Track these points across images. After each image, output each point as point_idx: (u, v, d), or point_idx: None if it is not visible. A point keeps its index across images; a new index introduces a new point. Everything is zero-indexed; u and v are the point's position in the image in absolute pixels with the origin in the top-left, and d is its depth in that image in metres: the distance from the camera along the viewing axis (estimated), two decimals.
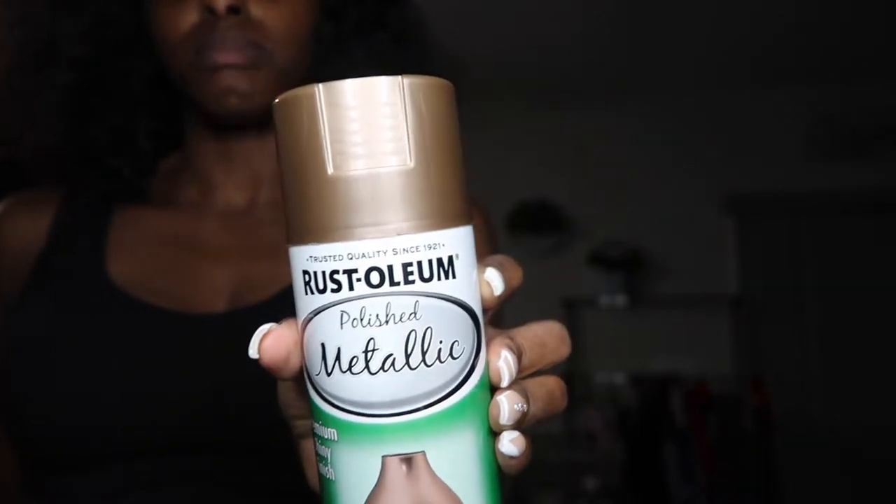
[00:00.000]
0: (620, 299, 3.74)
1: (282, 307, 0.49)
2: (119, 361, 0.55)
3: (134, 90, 0.66)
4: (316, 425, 0.30)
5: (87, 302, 0.59)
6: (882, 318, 3.62)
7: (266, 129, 0.66)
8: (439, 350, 0.28)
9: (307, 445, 0.36)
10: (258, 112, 0.62)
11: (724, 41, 3.29)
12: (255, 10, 0.59)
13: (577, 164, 3.90)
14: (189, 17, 0.59)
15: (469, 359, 0.29)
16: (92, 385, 0.55)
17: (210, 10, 0.58)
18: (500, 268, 0.31)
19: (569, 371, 3.71)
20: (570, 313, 3.78)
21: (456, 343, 0.29)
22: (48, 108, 0.63)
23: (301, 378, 0.31)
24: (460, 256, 0.29)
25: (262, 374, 0.48)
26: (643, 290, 3.77)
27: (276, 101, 0.29)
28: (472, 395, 0.29)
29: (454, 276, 0.28)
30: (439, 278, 0.28)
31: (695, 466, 3.14)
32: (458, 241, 0.29)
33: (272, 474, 0.55)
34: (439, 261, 0.28)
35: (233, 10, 0.58)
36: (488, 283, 0.30)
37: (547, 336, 0.33)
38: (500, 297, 0.30)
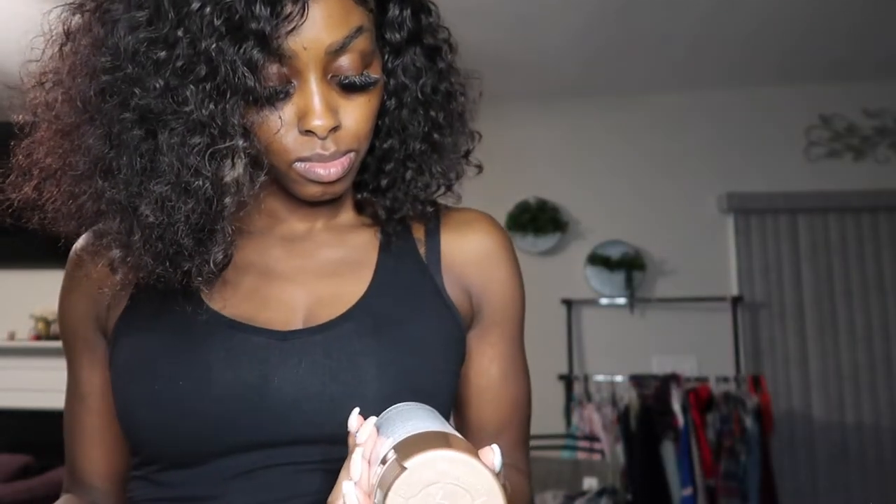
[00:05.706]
0: (620, 299, 3.74)
1: (348, 322, 0.67)
2: (222, 373, 0.64)
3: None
4: None
5: (190, 323, 0.67)
6: (882, 318, 3.62)
7: None
8: None
9: None
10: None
11: (724, 41, 3.29)
12: (345, 120, 0.64)
13: (577, 164, 3.90)
14: (290, 131, 0.63)
15: None
16: (202, 392, 0.63)
17: (310, 132, 0.63)
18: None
19: (569, 371, 3.71)
20: (570, 313, 3.78)
21: None
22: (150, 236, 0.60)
23: None
24: None
25: (340, 380, 0.65)
26: (643, 290, 3.78)
27: None
28: None
29: None
30: None
31: (695, 466, 3.14)
32: None
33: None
34: None
35: (332, 130, 0.63)
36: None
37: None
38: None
